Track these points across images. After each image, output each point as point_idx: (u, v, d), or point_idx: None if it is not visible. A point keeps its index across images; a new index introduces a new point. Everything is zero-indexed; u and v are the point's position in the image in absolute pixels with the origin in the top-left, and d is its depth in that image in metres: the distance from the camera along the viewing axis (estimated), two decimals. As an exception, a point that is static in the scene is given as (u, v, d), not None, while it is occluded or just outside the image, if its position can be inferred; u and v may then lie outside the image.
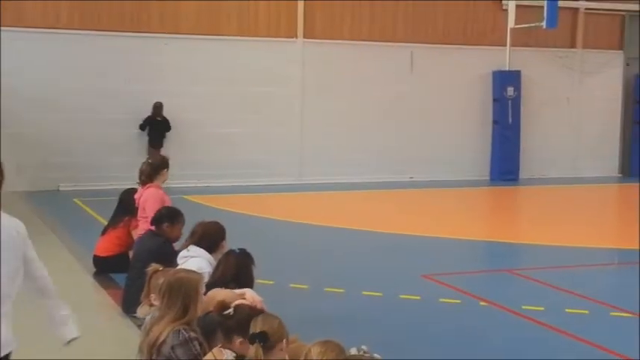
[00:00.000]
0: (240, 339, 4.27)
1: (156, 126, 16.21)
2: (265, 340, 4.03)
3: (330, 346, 3.92)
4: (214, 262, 6.02)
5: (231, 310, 4.51)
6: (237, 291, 5.26)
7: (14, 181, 15.35)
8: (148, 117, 16.17)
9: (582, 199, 17.36)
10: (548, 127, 19.77)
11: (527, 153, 19.41)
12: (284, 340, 4.10)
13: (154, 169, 8.37)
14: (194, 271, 4.97)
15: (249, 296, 5.15)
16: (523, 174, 19.33)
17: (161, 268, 5.40)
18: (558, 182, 18.92)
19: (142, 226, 8.28)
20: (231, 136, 17.14)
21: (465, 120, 19.12)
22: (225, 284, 5.45)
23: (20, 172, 15.60)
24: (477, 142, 19.24)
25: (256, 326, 4.15)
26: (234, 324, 4.41)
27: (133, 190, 8.86)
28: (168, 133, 16.33)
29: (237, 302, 4.78)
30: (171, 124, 16.37)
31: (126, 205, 8.85)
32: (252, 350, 4.06)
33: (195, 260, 6.00)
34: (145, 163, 8.49)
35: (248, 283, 5.66)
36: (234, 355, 4.29)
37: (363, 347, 5.09)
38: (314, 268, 9.55)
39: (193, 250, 6.28)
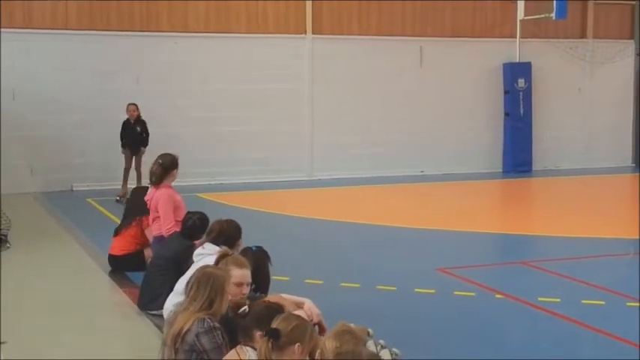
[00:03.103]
0: (260, 332, 4.27)
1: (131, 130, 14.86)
2: (276, 338, 3.99)
3: (345, 339, 3.90)
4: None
5: (246, 308, 4.52)
6: (297, 299, 5.25)
7: (28, 182, 15.51)
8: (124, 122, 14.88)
9: (596, 189, 17.29)
10: (560, 118, 19.69)
11: (539, 144, 19.34)
12: (297, 344, 4.00)
13: (165, 169, 8.39)
14: (222, 269, 5.03)
15: (307, 307, 5.14)
16: (536, 166, 19.28)
17: (230, 253, 5.41)
18: (572, 173, 18.86)
19: (155, 226, 8.31)
20: (242, 134, 17.15)
21: (476, 113, 19.07)
22: None
23: (34, 174, 15.70)
24: (489, 134, 19.19)
25: (274, 323, 4.14)
26: (251, 320, 4.42)
27: (143, 189, 8.87)
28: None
29: (295, 312, 4.78)
30: (184, 122, 16.37)
31: (137, 204, 8.87)
32: (261, 345, 4.04)
33: (211, 258, 6.01)
34: (155, 163, 8.50)
35: (265, 281, 5.68)
36: (255, 350, 4.29)
37: (381, 342, 5.09)
38: (328, 263, 9.55)
39: (209, 247, 6.30)
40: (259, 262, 5.71)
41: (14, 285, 8.26)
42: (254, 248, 5.78)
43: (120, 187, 14.53)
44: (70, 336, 6.62)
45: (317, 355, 3.92)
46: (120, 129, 14.81)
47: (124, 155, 14.80)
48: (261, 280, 5.63)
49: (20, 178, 15.47)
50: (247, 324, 4.42)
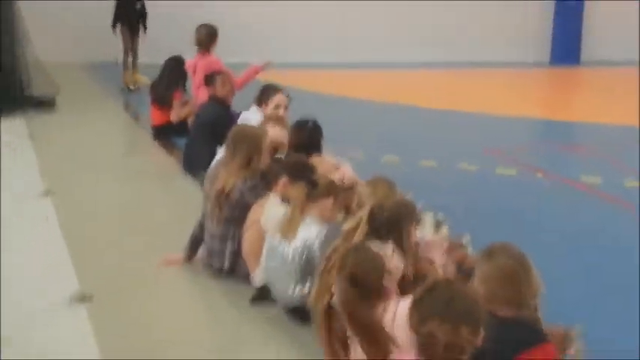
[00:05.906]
0: (285, 179, 4.43)
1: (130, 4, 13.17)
2: (313, 186, 4.16)
3: (379, 185, 4.00)
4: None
5: (281, 157, 4.64)
6: (337, 163, 5.26)
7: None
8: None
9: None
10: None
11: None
12: (330, 198, 4.16)
13: (209, 36, 8.51)
14: (258, 127, 5.15)
15: (343, 171, 5.13)
16: (584, 56, 18.71)
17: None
18: (624, 65, 18.05)
19: (202, 93, 8.42)
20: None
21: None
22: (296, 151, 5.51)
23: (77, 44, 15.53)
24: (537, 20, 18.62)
25: (317, 176, 4.25)
26: (281, 166, 4.60)
27: (176, 58, 8.89)
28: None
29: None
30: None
31: (175, 74, 8.82)
32: (296, 190, 4.21)
33: (251, 116, 6.14)
34: (197, 32, 8.63)
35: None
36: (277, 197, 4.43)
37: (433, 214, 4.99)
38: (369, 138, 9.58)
39: (253, 110, 6.46)
40: (313, 136, 5.58)
41: (63, 145, 8.52)
42: (310, 123, 5.65)
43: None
44: (115, 185, 6.91)
45: (354, 204, 4.03)
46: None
47: (121, 35, 13.20)
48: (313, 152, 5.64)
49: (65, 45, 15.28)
50: (277, 169, 4.57)
